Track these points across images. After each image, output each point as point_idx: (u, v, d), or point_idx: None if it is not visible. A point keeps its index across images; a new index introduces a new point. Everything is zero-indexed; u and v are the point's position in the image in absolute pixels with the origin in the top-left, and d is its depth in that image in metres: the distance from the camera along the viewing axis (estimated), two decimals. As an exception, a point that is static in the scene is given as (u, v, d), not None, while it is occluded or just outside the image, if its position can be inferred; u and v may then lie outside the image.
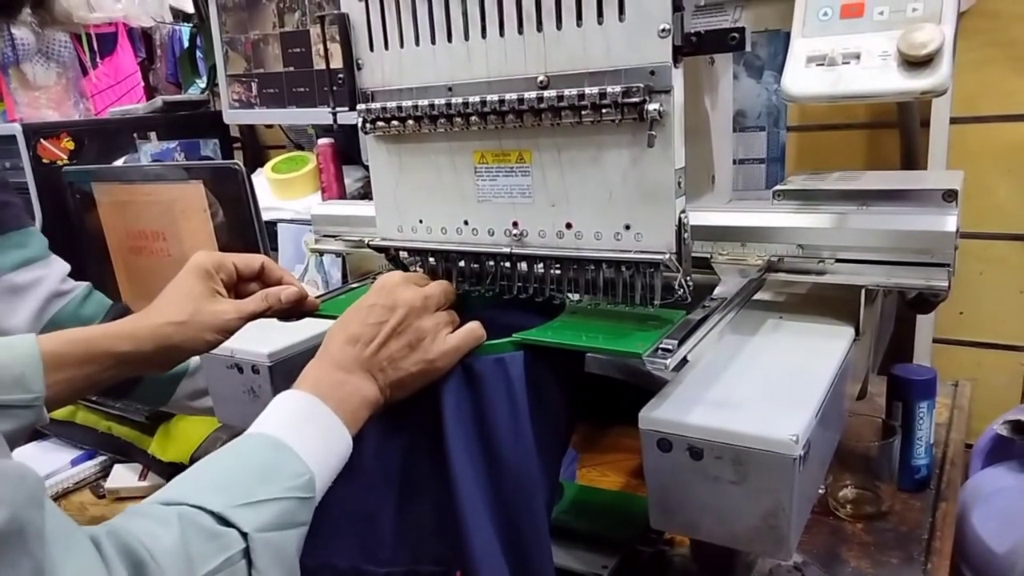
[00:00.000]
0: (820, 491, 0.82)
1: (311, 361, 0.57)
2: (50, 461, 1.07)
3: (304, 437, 0.50)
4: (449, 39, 0.61)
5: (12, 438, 0.56)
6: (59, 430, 1.13)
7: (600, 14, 0.54)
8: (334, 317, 0.61)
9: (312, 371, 0.56)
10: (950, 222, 0.60)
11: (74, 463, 1.08)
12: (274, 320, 0.67)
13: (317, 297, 0.71)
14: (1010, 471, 1.03)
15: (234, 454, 0.49)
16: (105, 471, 1.08)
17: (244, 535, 0.43)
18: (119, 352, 0.60)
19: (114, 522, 0.42)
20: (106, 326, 0.62)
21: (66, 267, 0.94)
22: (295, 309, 0.67)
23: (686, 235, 0.57)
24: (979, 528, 0.96)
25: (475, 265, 0.67)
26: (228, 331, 0.63)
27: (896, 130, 1.12)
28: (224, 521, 0.44)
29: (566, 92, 0.56)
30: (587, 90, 0.55)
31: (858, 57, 0.56)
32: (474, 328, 0.59)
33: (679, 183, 0.56)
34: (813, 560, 0.74)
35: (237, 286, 0.67)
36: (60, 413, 1.08)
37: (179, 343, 0.61)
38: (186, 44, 2.04)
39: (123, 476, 1.05)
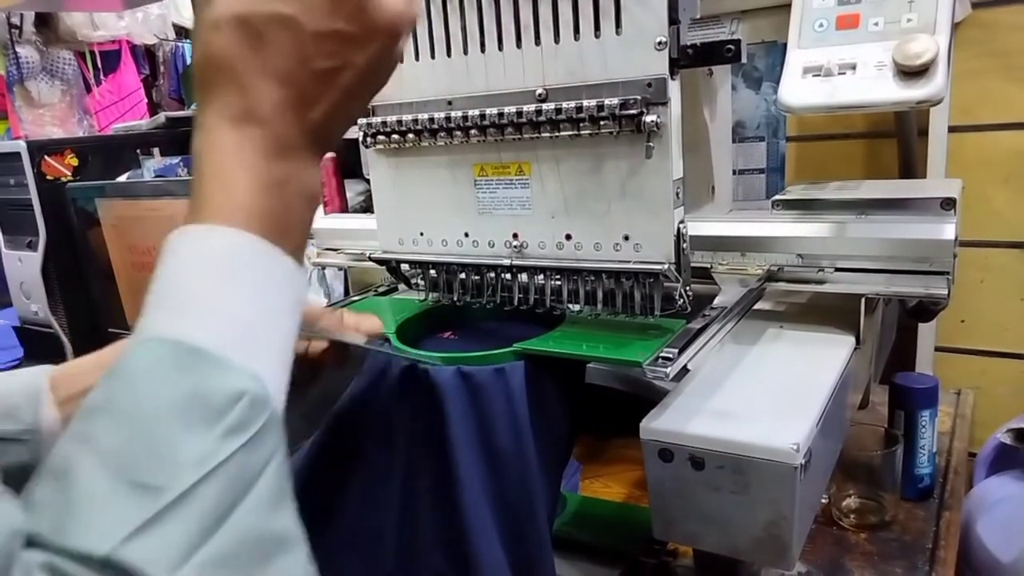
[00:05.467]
0: (823, 501, 0.82)
1: (210, 118, 0.34)
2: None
3: (236, 322, 0.31)
4: (448, 54, 0.62)
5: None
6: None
7: (597, 28, 0.55)
8: None
9: (240, 168, 0.33)
10: (948, 230, 0.60)
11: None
12: None
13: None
14: (1014, 479, 1.02)
15: (121, 415, 0.29)
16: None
17: None
18: None
19: None
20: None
21: None
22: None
23: (685, 245, 0.57)
24: (984, 537, 0.95)
25: (476, 277, 0.67)
26: None
27: (894, 139, 1.12)
28: (116, 570, 0.25)
29: (564, 105, 0.56)
30: (585, 102, 0.55)
31: (854, 68, 0.56)
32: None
33: (677, 194, 0.57)
34: (817, 570, 0.74)
35: None
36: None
37: None
38: (189, 61, 2.06)
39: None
